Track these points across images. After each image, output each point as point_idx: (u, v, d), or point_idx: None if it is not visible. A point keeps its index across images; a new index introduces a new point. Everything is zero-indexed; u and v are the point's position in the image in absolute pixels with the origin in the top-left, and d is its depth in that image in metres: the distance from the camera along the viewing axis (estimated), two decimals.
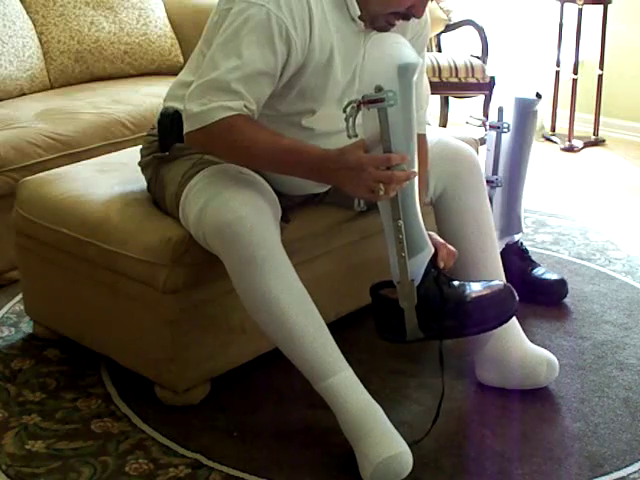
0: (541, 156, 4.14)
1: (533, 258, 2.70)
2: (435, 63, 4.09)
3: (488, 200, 2.24)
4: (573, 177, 3.97)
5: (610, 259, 2.96)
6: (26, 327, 2.46)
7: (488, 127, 2.57)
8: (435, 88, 4.12)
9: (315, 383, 1.86)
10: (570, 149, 4.36)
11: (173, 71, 3.46)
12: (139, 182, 2.21)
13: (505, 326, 2.14)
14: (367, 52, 1.82)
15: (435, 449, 1.94)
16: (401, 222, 1.82)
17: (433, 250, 1.89)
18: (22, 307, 2.50)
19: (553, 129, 4.60)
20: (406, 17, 1.90)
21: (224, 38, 1.85)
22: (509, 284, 1.98)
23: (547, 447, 1.96)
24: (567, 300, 2.63)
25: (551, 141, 4.49)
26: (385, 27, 1.92)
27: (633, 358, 2.33)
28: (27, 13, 3.38)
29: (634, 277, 2.82)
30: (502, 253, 2.60)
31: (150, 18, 3.59)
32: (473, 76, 4.12)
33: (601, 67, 4.41)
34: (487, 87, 4.14)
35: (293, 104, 1.96)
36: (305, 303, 1.86)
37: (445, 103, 4.50)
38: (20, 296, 2.54)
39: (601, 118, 4.49)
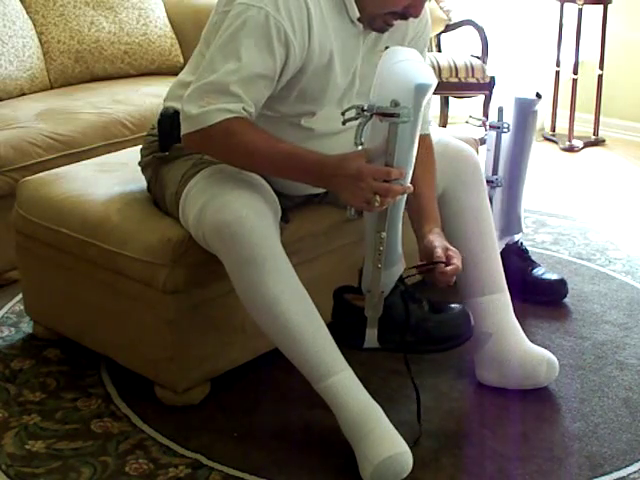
0: (541, 156, 4.14)
1: (533, 258, 2.70)
2: (435, 63, 4.09)
3: (488, 200, 2.24)
4: (573, 177, 3.97)
5: (610, 259, 2.96)
6: (26, 327, 2.46)
7: (488, 127, 2.57)
8: (435, 88, 4.12)
9: (315, 383, 1.86)
10: (570, 149, 4.36)
11: (173, 71, 3.46)
12: (139, 182, 2.21)
13: (505, 326, 2.15)
14: (385, 63, 1.80)
15: (435, 449, 1.94)
16: (384, 234, 1.84)
17: (404, 267, 1.92)
18: (22, 307, 2.50)
19: (553, 129, 4.60)
20: (403, 17, 1.90)
21: (223, 40, 1.85)
22: (467, 310, 2.01)
23: (547, 447, 1.96)
24: (567, 300, 2.63)
25: (551, 141, 4.49)
26: (383, 27, 1.92)
27: (633, 358, 2.33)
28: (27, 13, 3.38)
29: (634, 277, 2.82)
30: (502, 253, 2.59)
31: (150, 18, 3.59)
32: (473, 76, 4.12)
33: (601, 67, 4.41)
34: (487, 87, 4.14)
35: (293, 106, 1.96)
36: (305, 303, 1.86)
37: (445, 103, 4.50)
38: (20, 296, 2.54)
39: (601, 118, 4.48)
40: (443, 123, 4.48)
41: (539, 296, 2.60)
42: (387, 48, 1.99)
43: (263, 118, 1.94)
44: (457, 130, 4.12)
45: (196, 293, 2.03)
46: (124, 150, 2.63)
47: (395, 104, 1.72)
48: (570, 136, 4.39)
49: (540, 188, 3.67)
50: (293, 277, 1.86)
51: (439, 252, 1.91)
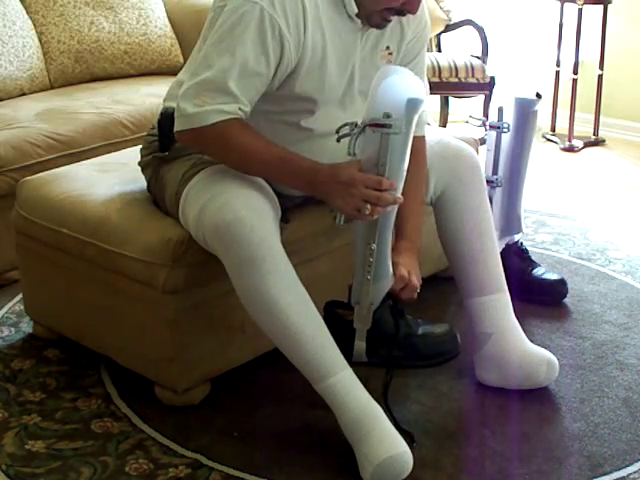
0: (541, 156, 4.14)
1: (533, 258, 2.70)
2: (435, 63, 4.09)
3: (488, 200, 2.24)
4: (573, 177, 3.97)
5: (610, 259, 2.96)
6: (26, 327, 2.46)
7: (488, 127, 2.57)
8: (435, 88, 4.12)
9: (315, 383, 1.86)
10: (570, 149, 4.36)
11: (173, 71, 3.45)
12: (139, 182, 2.21)
13: (505, 326, 2.15)
14: (378, 79, 1.81)
15: (435, 449, 1.94)
16: (374, 246, 1.87)
17: (393, 281, 1.95)
18: (22, 307, 2.50)
19: (553, 129, 4.60)
20: (400, 13, 1.91)
21: (218, 36, 1.85)
22: (454, 329, 2.06)
23: (547, 447, 1.96)
24: (567, 300, 2.63)
25: (551, 141, 4.49)
26: (381, 24, 1.93)
27: (633, 358, 2.33)
28: (27, 13, 3.38)
29: (634, 277, 2.81)
30: (502, 253, 2.59)
31: (150, 18, 3.59)
32: (473, 76, 4.12)
33: (601, 67, 4.41)
34: (487, 87, 4.14)
35: (292, 104, 1.96)
36: (305, 303, 1.86)
37: (445, 103, 4.50)
38: (20, 296, 2.54)
39: (601, 118, 4.48)
40: (443, 123, 4.48)
41: (539, 296, 2.60)
42: (388, 48, 2.00)
43: (263, 118, 1.94)
44: (457, 130, 4.12)
45: (196, 293, 2.03)
46: (124, 150, 2.63)
47: (387, 116, 1.76)
48: (570, 136, 4.39)
49: (540, 188, 3.67)
50: (293, 277, 1.86)
51: (402, 271, 1.95)
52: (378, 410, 1.85)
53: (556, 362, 2.16)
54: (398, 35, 2.03)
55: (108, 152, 2.69)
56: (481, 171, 2.25)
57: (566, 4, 4.36)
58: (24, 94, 3.27)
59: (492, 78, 4.14)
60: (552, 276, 2.66)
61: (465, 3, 4.65)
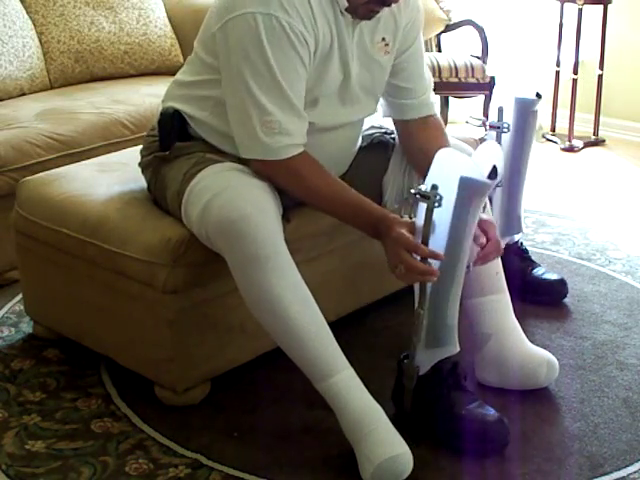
0: (541, 156, 4.14)
1: (533, 258, 2.70)
2: (435, 63, 4.09)
3: (488, 201, 2.23)
4: (573, 177, 3.97)
5: (610, 259, 2.96)
6: (26, 327, 2.46)
7: (488, 127, 2.57)
8: (435, 88, 4.11)
9: (316, 382, 1.86)
10: (570, 149, 4.36)
11: (173, 71, 3.43)
12: (139, 182, 2.21)
13: (505, 326, 2.15)
14: (445, 152, 1.85)
15: (435, 449, 1.93)
16: (422, 312, 1.88)
17: (457, 350, 1.93)
18: (22, 307, 2.50)
19: (553, 129, 4.60)
20: (384, 3, 1.91)
21: (255, 70, 1.84)
22: (504, 418, 1.94)
23: (547, 447, 1.96)
24: (567, 300, 2.63)
25: (551, 141, 4.49)
26: (368, 15, 1.94)
27: (633, 358, 2.33)
28: (27, 13, 3.38)
29: (634, 277, 2.82)
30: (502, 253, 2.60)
31: (150, 18, 3.59)
32: (473, 76, 4.12)
33: (601, 67, 4.41)
34: (487, 87, 4.14)
35: None
36: (307, 302, 1.86)
37: (445, 103, 4.50)
38: (20, 296, 2.54)
39: (601, 118, 4.48)
40: (443, 123, 4.47)
41: (539, 296, 2.60)
42: (384, 39, 2.03)
43: None
44: (457, 130, 4.12)
45: (196, 293, 2.03)
46: (124, 150, 2.63)
47: (433, 187, 1.78)
48: (570, 136, 4.39)
49: (540, 188, 3.67)
50: (296, 276, 1.86)
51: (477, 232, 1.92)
52: (379, 410, 1.85)
53: (556, 363, 2.16)
54: (392, 25, 2.04)
55: (108, 152, 2.69)
56: None
57: (566, 4, 4.36)
58: (24, 94, 3.27)
59: (492, 78, 4.14)
60: (552, 276, 2.66)
61: (465, 3, 4.64)
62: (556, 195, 3.67)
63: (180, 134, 2.06)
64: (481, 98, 4.24)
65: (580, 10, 4.25)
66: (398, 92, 2.16)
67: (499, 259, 2.19)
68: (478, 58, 4.22)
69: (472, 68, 4.12)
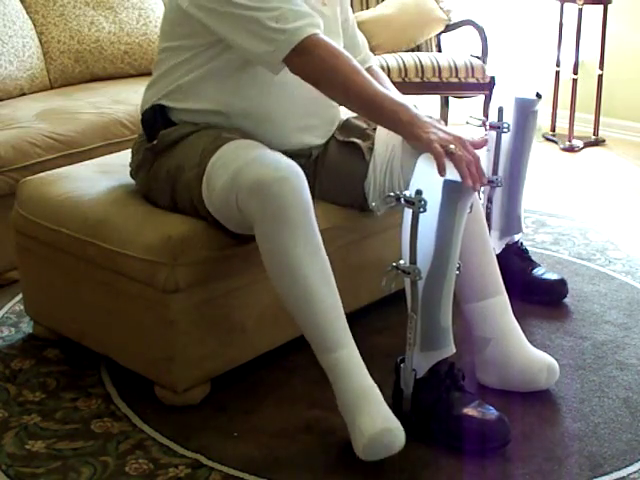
0: (541, 156, 4.14)
1: (533, 258, 2.70)
2: (435, 63, 4.08)
3: (479, 203, 2.19)
4: (573, 177, 3.97)
5: (610, 259, 2.96)
6: (26, 327, 2.46)
7: (488, 127, 2.57)
8: (435, 88, 4.12)
9: (321, 353, 1.87)
10: (570, 149, 4.36)
11: None
12: None
13: (504, 329, 2.13)
14: (425, 162, 1.87)
15: (435, 449, 1.93)
16: (414, 315, 1.88)
17: (453, 352, 1.93)
18: (22, 307, 2.50)
19: (553, 129, 4.60)
20: None
21: None
22: (504, 416, 1.93)
23: (547, 447, 1.96)
24: (567, 300, 2.63)
25: (551, 141, 4.49)
26: None
27: (633, 358, 2.33)
28: (27, 13, 3.38)
29: (634, 277, 2.82)
30: (502, 253, 2.60)
31: (150, 18, 3.59)
32: (473, 76, 4.12)
33: (601, 67, 4.41)
34: (487, 87, 4.14)
35: None
36: (328, 275, 1.88)
37: (445, 103, 4.50)
38: (20, 296, 2.54)
39: (601, 118, 4.48)
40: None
41: (539, 296, 2.60)
42: None
43: (217, 68, 2.02)
44: (457, 130, 4.11)
45: (196, 293, 2.03)
46: (124, 151, 2.63)
47: (417, 192, 1.79)
48: (570, 136, 4.39)
49: (540, 188, 3.67)
50: (321, 247, 1.88)
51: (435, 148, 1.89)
52: (375, 389, 1.86)
53: (557, 367, 2.14)
54: None
55: (108, 152, 2.70)
56: None
57: (566, 4, 4.36)
58: (24, 94, 3.28)
59: (492, 78, 4.14)
60: (552, 276, 2.65)
61: (465, 3, 4.64)
62: (556, 195, 3.67)
63: (165, 123, 2.11)
64: (481, 98, 4.24)
65: (580, 10, 4.25)
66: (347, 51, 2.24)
67: (496, 262, 2.17)
68: (478, 58, 4.22)
69: (472, 68, 4.11)
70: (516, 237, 2.68)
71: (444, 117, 4.49)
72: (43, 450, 1.94)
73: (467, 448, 1.90)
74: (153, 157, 2.11)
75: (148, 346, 2.08)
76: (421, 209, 1.79)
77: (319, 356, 1.88)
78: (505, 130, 2.54)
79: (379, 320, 2.48)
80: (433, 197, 1.80)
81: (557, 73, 4.52)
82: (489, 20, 4.49)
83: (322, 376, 1.89)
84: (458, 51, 4.39)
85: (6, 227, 2.47)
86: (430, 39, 4.40)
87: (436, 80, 4.08)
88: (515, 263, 2.61)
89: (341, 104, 2.07)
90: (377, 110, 1.93)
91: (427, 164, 1.83)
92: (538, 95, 2.56)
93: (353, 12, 2.41)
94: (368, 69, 2.26)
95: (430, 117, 1.95)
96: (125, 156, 2.47)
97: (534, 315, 2.53)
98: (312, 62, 1.92)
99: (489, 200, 2.60)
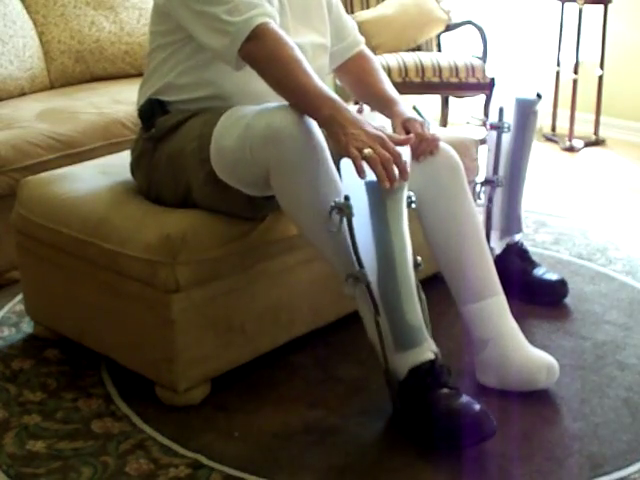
0: (541, 156, 4.15)
1: (533, 258, 2.70)
2: (435, 63, 4.09)
3: (473, 204, 2.16)
4: (573, 177, 3.97)
5: (610, 259, 2.96)
6: (26, 327, 2.46)
7: (489, 127, 2.58)
8: (435, 88, 4.13)
9: (342, 274, 1.91)
10: (570, 149, 4.36)
11: None
12: None
13: (503, 330, 2.12)
14: (347, 167, 1.85)
15: (435, 449, 1.93)
16: (379, 317, 1.88)
17: (433, 349, 1.91)
18: (22, 307, 2.50)
19: (553, 129, 4.60)
20: None
21: None
22: (488, 412, 1.87)
23: (547, 447, 1.96)
24: (567, 300, 2.63)
25: (551, 141, 4.49)
26: None
27: (633, 358, 2.33)
28: (27, 13, 3.39)
29: (634, 277, 2.82)
30: (502, 253, 2.60)
31: None
32: (473, 76, 4.12)
33: (601, 67, 4.41)
34: (487, 87, 4.14)
35: None
36: None
37: (445, 103, 4.50)
38: (20, 296, 2.54)
39: (601, 118, 4.49)
40: (443, 123, 4.48)
41: (539, 296, 2.60)
42: None
43: (202, 60, 2.03)
44: (457, 130, 4.12)
45: (196, 293, 2.03)
46: (124, 151, 2.63)
47: (346, 198, 1.81)
48: (570, 136, 4.39)
49: (540, 188, 3.67)
50: (339, 181, 1.89)
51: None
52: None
53: (556, 366, 2.12)
54: None
55: (108, 152, 2.70)
56: (462, 173, 2.16)
57: (566, 4, 4.36)
58: (24, 94, 3.28)
59: (492, 78, 4.14)
60: (552, 276, 2.65)
61: (465, 3, 4.65)
62: (556, 195, 3.67)
63: (162, 111, 2.11)
64: (481, 98, 4.25)
65: (580, 10, 4.25)
66: (336, 35, 2.27)
67: (492, 263, 2.16)
68: (478, 58, 4.22)
69: (472, 68, 4.12)
70: (516, 237, 2.68)
71: (444, 117, 4.49)
72: (43, 450, 1.94)
73: (448, 445, 1.88)
74: (153, 146, 2.11)
75: (148, 346, 2.08)
76: (352, 215, 1.81)
77: (340, 280, 1.92)
78: (505, 130, 2.54)
79: None
80: (362, 199, 1.81)
81: (557, 73, 4.53)
82: (489, 20, 4.50)
83: (322, 376, 1.89)
84: (458, 51, 4.39)
85: (6, 227, 2.47)
86: (430, 39, 4.40)
87: (436, 80, 4.08)
88: (515, 263, 2.61)
89: (280, 94, 1.96)
90: (302, 102, 1.88)
91: (350, 167, 1.81)
92: (538, 95, 2.56)
93: (353, 12, 2.41)
94: (358, 53, 2.31)
95: (360, 111, 1.99)
96: (125, 156, 2.48)
97: (534, 315, 2.53)
98: (257, 50, 1.91)
99: (489, 200, 2.60)
